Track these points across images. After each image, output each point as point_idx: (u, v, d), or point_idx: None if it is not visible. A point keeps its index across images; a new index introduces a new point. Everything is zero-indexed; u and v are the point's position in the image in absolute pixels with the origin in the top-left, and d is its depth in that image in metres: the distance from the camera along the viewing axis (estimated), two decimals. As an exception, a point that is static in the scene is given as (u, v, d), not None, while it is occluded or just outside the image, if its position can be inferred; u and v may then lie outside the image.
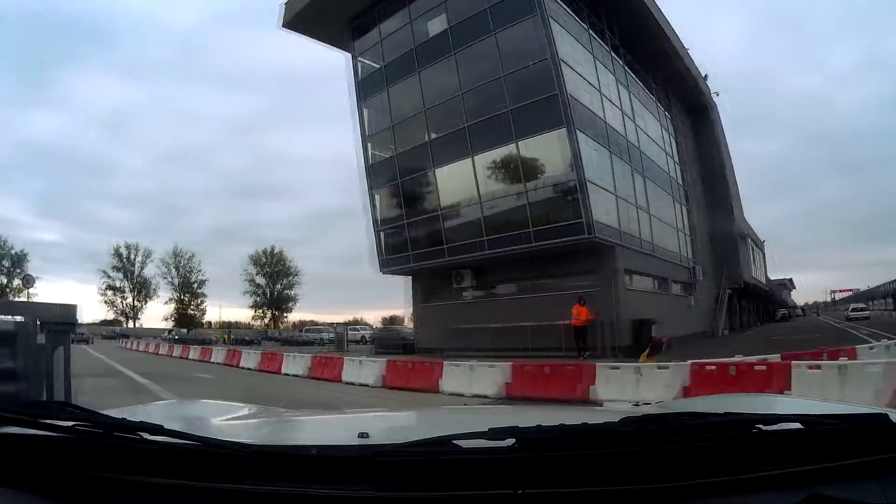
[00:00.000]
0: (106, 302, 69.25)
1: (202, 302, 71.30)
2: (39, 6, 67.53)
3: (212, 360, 18.86)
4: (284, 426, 1.62)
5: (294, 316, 71.26)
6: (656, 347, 13.93)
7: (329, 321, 52.74)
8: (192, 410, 1.76)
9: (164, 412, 1.63)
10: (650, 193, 22.05)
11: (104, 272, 67.94)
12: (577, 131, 16.86)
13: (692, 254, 25.90)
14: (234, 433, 1.33)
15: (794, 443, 0.88)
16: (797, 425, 0.90)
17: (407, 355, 17.53)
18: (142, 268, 69.41)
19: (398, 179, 21.41)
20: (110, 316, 69.94)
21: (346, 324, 38.86)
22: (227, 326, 58.16)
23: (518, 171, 18.04)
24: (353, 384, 10.92)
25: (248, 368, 15.60)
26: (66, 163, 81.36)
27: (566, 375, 8.22)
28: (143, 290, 69.85)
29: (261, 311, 69.83)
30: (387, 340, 24.30)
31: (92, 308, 66.61)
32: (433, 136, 20.45)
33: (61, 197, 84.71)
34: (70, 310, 4.86)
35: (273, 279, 69.85)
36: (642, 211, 20.95)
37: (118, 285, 69.05)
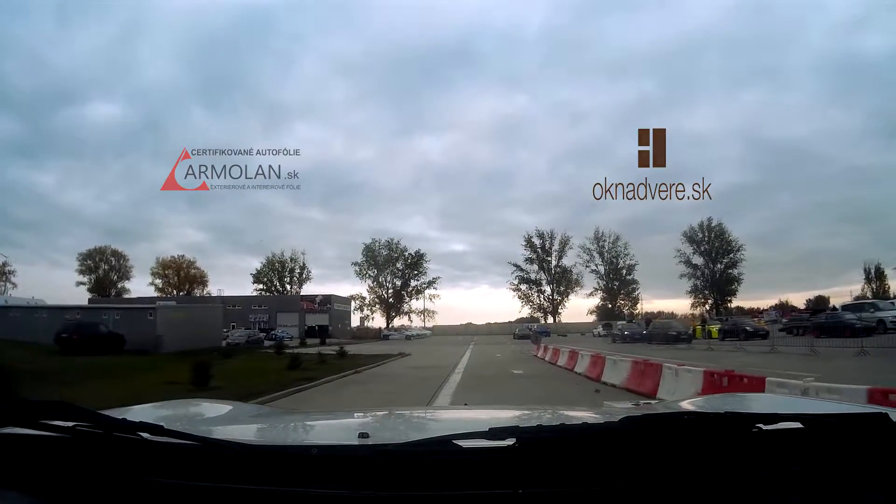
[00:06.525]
0: (520, 297, 62.71)
1: (633, 290, 62.18)
2: (403, 51, 69.86)
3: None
4: (285, 426, 1.61)
5: (737, 301, 59.00)
6: None
7: (756, 307, 44.33)
8: (192, 410, 1.75)
9: (165, 412, 1.63)
10: None
11: (515, 266, 61.19)
12: None
13: None
14: (234, 433, 1.34)
15: (794, 443, 0.88)
16: (797, 425, 0.90)
17: None
18: (559, 256, 61.78)
19: None
20: (525, 313, 62.35)
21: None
22: (652, 317, 47.31)
23: None
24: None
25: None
26: (462, 178, 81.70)
27: None
28: (562, 280, 61.71)
29: (700, 296, 58.95)
30: None
31: (508, 307, 63.34)
32: None
33: (461, 210, 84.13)
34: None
35: (712, 257, 58.18)
36: None
37: (533, 278, 61.88)
